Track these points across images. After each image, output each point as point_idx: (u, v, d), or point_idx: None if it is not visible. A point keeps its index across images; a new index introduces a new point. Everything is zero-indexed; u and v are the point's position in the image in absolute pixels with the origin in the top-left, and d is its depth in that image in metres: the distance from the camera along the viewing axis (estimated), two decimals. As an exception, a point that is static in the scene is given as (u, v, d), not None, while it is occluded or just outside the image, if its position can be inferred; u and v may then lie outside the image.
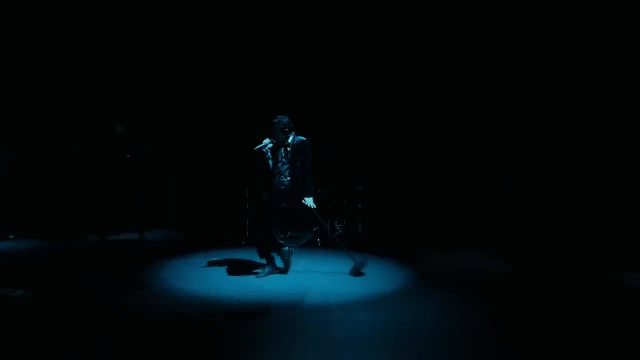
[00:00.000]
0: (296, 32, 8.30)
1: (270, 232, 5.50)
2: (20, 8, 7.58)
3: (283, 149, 5.53)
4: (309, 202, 5.44)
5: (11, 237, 7.82)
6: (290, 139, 5.49)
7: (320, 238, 7.39)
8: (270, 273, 5.52)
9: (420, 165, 8.53)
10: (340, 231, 7.68)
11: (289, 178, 5.46)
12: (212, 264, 6.15)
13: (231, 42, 8.49)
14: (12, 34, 7.63)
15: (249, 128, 8.70)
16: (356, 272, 5.55)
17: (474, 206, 8.15)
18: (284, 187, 5.47)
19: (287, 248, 5.62)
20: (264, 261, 5.62)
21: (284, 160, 5.50)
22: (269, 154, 5.50)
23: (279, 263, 5.69)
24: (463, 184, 8.32)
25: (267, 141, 5.46)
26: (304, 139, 5.51)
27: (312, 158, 5.49)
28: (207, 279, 5.40)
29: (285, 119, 5.46)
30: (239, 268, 5.92)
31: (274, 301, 4.57)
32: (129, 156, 7.94)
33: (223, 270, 5.82)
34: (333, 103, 8.47)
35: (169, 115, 8.73)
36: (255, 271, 5.65)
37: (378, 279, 5.42)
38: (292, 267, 5.75)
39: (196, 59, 8.54)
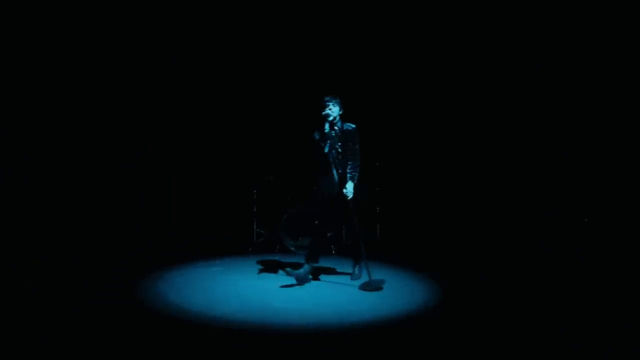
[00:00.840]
0: (303, 28, 8.14)
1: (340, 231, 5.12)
2: (20, 8, 7.35)
3: (333, 135, 5.24)
4: (349, 188, 5.18)
5: None
6: (339, 124, 5.26)
7: (334, 245, 7.06)
8: (306, 275, 5.25)
9: (441, 166, 8.42)
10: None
11: (340, 167, 5.22)
12: (213, 274, 5.81)
13: (231, 40, 8.32)
14: (12, 33, 7.40)
15: (250, 127, 8.62)
16: (368, 288, 5.18)
17: (478, 207, 8.18)
18: (338, 177, 5.20)
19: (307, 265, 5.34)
20: (288, 267, 5.37)
21: (335, 147, 5.23)
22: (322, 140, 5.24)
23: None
24: (471, 185, 8.29)
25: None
26: (354, 125, 5.32)
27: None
28: (207, 293, 5.03)
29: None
30: (244, 280, 5.60)
31: (281, 322, 4.24)
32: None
33: (225, 282, 5.47)
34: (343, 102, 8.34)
35: (169, 115, 8.56)
36: (286, 269, 5.44)
37: (397, 295, 5.00)
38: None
39: (196, 58, 8.36)
